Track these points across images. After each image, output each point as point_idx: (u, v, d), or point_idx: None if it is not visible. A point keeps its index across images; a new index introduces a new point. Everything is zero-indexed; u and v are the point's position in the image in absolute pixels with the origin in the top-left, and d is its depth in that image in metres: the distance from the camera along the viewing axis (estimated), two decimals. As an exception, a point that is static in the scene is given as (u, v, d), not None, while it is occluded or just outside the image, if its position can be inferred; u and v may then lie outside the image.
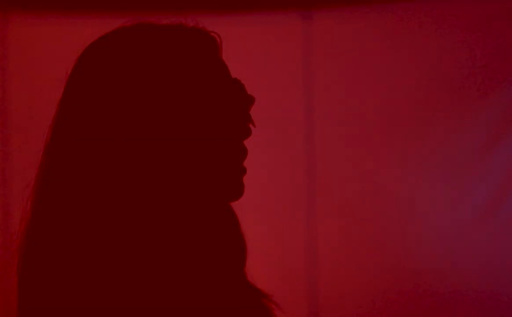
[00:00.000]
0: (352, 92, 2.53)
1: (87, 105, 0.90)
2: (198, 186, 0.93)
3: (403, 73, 2.53)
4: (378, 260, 2.51)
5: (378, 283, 2.50)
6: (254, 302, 1.05)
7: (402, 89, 2.52)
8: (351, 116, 2.55)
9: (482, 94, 2.49)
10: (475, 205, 2.48)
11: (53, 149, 0.93)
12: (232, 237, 1.07)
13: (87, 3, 2.44)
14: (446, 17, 2.51)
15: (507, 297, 2.44)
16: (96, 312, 0.82)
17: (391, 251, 2.50)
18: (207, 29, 0.98)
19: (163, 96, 0.89)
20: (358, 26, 2.53)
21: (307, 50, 2.53)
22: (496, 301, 2.44)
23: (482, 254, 2.47)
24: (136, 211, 0.87)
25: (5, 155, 2.44)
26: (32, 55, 2.47)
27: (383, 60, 2.54)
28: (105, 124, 0.88)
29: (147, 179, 0.88)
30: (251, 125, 0.97)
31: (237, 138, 0.96)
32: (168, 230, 0.90)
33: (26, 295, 0.90)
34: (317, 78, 2.54)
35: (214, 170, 0.93)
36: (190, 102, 0.91)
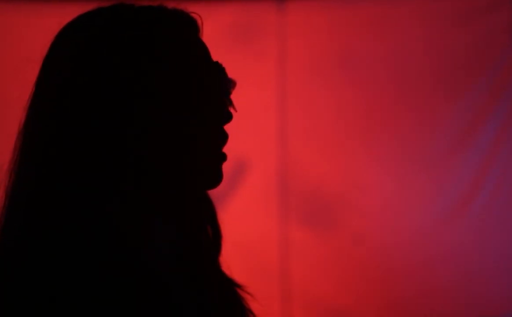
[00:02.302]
0: (326, 85, 2.53)
1: (63, 87, 0.87)
2: (176, 172, 0.90)
3: (378, 65, 2.53)
4: (350, 253, 2.52)
5: (350, 277, 2.51)
6: (228, 292, 1.04)
7: (377, 81, 2.52)
8: (325, 110, 2.54)
9: (455, 92, 2.50)
10: (448, 201, 2.50)
11: (29, 131, 0.90)
12: (209, 225, 1.06)
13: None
14: (423, 10, 2.51)
15: (480, 291, 2.47)
16: (79, 302, 0.77)
17: (363, 244, 2.51)
18: (187, 10, 0.95)
19: (142, 78, 0.87)
20: (332, 16, 2.52)
21: (281, 40, 2.52)
22: (470, 293, 2.46)
23: (454, 249, 2.49)
24: (111, 198, 0.84)
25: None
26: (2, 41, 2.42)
27: (357, 52, 2.54)
28: (84, 106, 0.85)
29: (125, 164, 0.86)
30: (232, 110, 0.95)
31: (217, 122, 0.93)
32: (146, 213, 0.88)
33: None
34: (291, 69, 2.52)
35: (192, 155, 0.91)
36: (169, 84, 0.88)
